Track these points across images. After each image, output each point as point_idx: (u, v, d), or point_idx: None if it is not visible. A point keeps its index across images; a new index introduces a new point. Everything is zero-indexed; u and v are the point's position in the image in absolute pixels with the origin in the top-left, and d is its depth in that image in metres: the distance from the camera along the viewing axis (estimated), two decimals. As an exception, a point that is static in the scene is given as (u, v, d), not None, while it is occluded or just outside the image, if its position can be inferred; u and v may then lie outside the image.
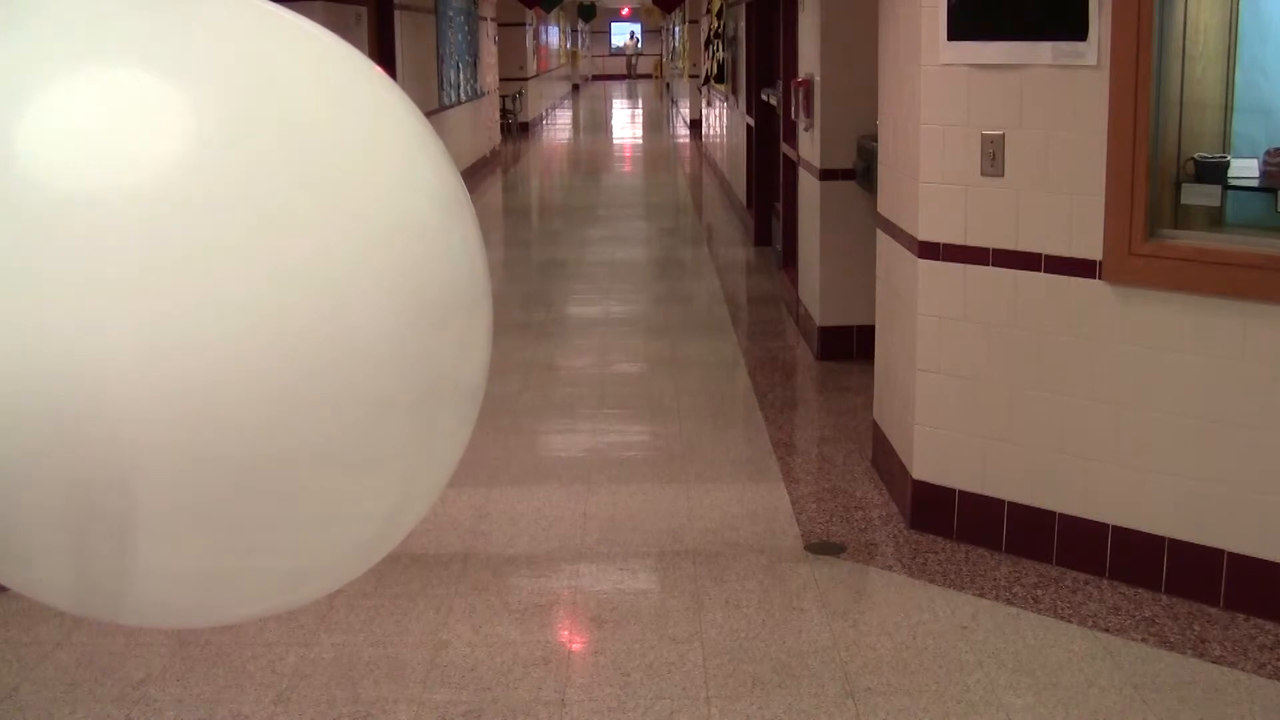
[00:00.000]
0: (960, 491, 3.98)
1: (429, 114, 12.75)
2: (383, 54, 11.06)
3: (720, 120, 14.18)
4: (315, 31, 1.26)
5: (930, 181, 3.92)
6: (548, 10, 22.41)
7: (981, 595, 3.62)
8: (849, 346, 6.21)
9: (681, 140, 21.17)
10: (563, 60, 33.79)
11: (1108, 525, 3.68)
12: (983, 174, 3.78)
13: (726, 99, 12.94)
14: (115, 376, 1.03)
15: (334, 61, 1.25)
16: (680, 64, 25.43)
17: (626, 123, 27.48)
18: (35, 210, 1.03)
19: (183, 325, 1.04)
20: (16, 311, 1.02)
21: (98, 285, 1.03)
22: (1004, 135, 3.72)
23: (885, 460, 4.52)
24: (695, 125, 20.50)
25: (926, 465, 4.06)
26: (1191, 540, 3.53)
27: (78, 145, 1.05)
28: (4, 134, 1.05)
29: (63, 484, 1.07)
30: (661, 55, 37.08)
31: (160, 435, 1.06)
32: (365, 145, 1.20)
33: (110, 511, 1.09)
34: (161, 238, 1.04)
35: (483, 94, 17.10)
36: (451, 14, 14.64)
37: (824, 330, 6.30)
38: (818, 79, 6.18)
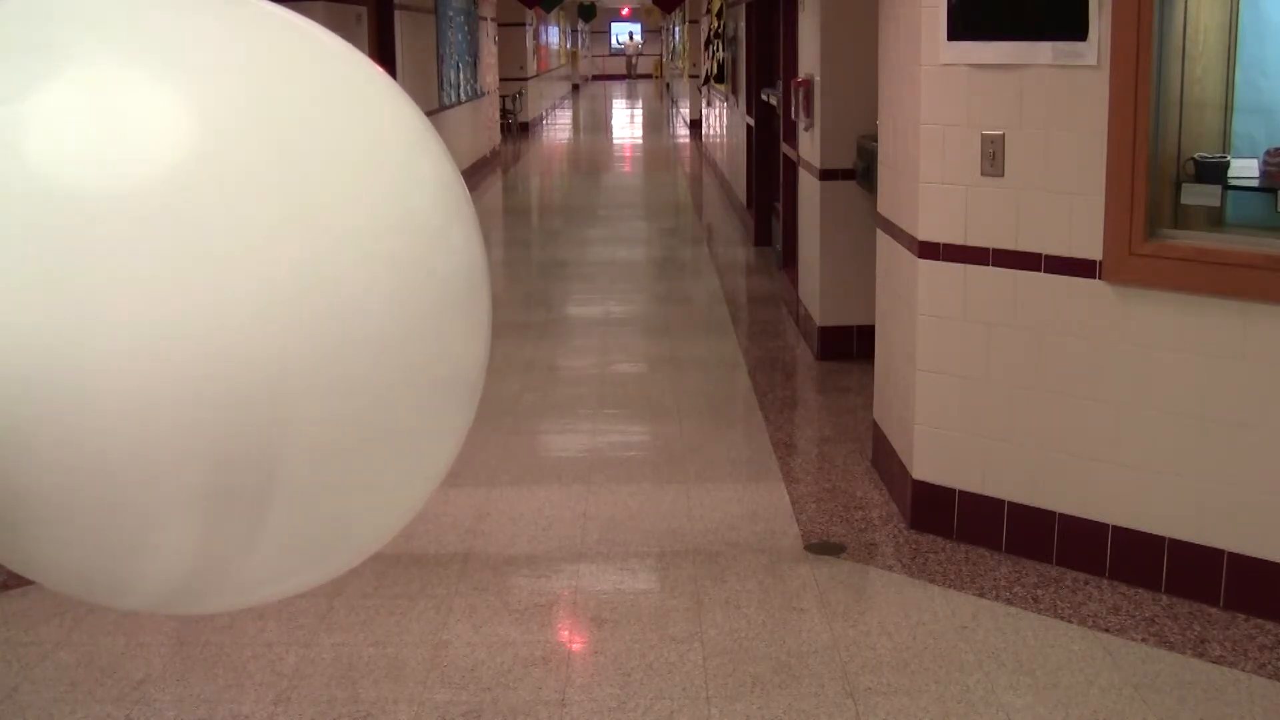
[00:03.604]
0: (960, 491, 3.98)
1: (429, 114, 12.70)
2: (383, 54, 11.04)
3: (720, 120, 14.18)
4: (318, 33, 1.28)
5: (930, 181, 3.92)
6: (548, 10, 22.40)
7: (981, 595, 3.62)
8: (849, 346, 6.21)
9: (681, 140, 21.17)
10: (563, 60, 33.78)
11: (1108, 525, 3.68)
12: (983, 174, 3.78)
13: (726, 99, 12.93)
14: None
15: (337, 62, 1.27)
16: (680, 64, 25.43)
17: (626, 123, 27.47)
18: (65, 208, 1.06)
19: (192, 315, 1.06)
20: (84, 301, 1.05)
21: (99, 280, 1.05)
22: (1004, 135, 3.72)
23: (885, 460, 4.52)
24: (695, 125, 20.50)
25: (926, 465, 4.06)
26: (1191, 540, 3.53)
27: (91, 145, 1.06)
28: (12, 134, 1.06)
29: (204, 463, 1.08)
30: (661, 55, 37.09)
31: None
32: (369, 144, 1.22)
33: (250, 490, 1.10)
34: (175, 234, 1.07)
35: (483, 94, 17.09)
36: (451, 14, 14.64)
37: (824, 330, 6.30)
38: (818, 79, 6.18)
